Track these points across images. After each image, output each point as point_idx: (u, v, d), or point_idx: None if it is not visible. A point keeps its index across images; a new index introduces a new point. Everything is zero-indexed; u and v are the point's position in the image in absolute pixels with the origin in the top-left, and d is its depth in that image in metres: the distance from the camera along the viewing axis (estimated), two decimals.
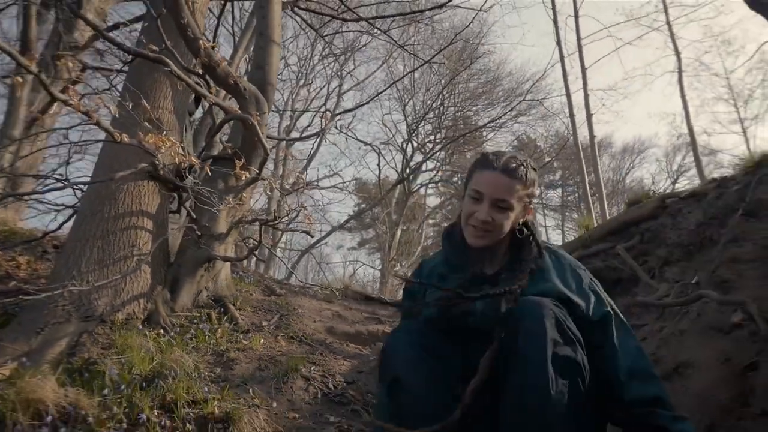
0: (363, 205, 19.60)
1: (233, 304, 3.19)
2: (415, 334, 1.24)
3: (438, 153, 18.26)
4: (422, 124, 17.94)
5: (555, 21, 12.35)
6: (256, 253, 3.86)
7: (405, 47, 10.01)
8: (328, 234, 15.96)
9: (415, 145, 18.00)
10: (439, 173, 19.40)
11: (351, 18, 5.57)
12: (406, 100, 17.84)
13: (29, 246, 4.70)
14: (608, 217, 8.94)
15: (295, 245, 18.63)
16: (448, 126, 18.10)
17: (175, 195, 3.37)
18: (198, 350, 2.53)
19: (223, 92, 3.75)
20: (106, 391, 1.91)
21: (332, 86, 17.82)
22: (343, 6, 5.51)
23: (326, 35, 10.59)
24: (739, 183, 2.81)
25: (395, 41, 9.28)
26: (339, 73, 17.80)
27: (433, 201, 22.50)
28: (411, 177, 17.31)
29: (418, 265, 1.48)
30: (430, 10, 7.69)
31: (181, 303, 3.01)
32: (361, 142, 16.02)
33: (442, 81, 16.49)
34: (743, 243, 2.44)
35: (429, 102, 17.66)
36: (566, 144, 17.00)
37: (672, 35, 14.02)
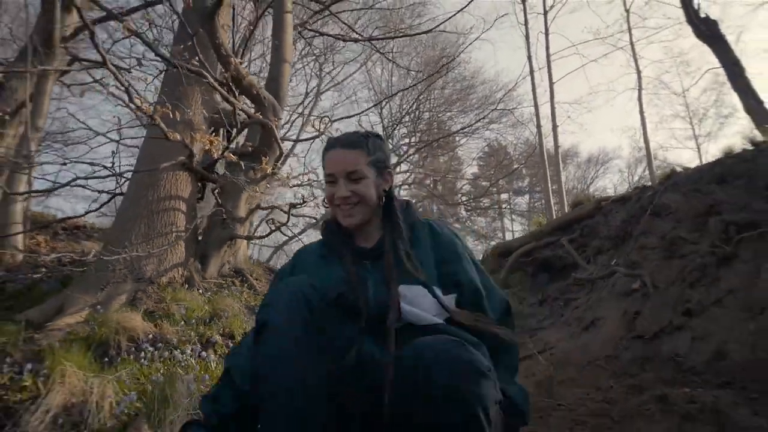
0: None
1: (250, 275, 3.90)
2: (302, 291, 1.09)
3: (412, 156, 19.07)
4: (398, 128, 18.71)
5: (527, 37, 13.36)
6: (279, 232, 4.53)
7: (386, 55, 10.76)
8: (304, 230, 16.56)
9: (390, 146, 18.77)
10: (412, 175, 20.23)
11: (356, 39, 6.29)
12: (384, 104, 18.60)
13: (45, 228, 5.35)
14: None
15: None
16: (423, 130, 18.95)
17: (200, 185, 4.05)
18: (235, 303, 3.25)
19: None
20: (179, 325, 2.61)
21: (311, 86, 18.44)
22: (343, 25, 6.23)
23: (308, 36, 11.24)
24: (653, 191, 3.69)
25: (378, 49, 10.02)
26: (318, 73, 18.44)
27: None
28: None
29: (294, 255, 1.45)
30: (426, 32, 8.46)
31: (209, 272, 3.71)
32: None
33: (419, 86, 17.32)
34: (649, 235, 3.30)
35: (405, 106, 18.45)
36: (534, 152, 18.11)
37: (634, 54, 15.24)
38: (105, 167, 3.72)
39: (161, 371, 2.12)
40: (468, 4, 5.51)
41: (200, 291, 3.40)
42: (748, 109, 8.69)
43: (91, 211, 4.21)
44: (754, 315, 2.04)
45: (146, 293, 3.23)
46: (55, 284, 3.49)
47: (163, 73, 4.19)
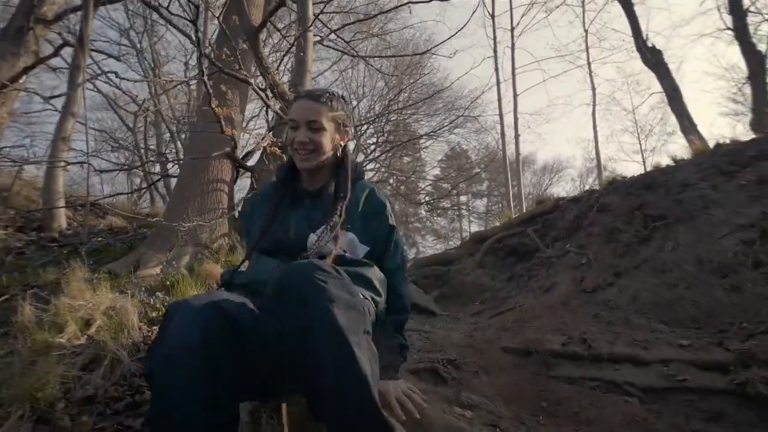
0: None
1: None
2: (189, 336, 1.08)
3: (379, 156, 19.99)
4: (367, 128, 19.61)
5: (495, 51, 14.61)
6: None
7: (366, 60, 11.67)
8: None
9: (357, 144, 19.64)
10: (377, 174, 21.21)
11: (359, 55, 7.21)
12: (355, 103, 19.46)
13: (73, 206, 6.06)
14: None
15: None
16: (390, 131, 19.94)
17: (237, 171, 4.89)
18: None
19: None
20: None
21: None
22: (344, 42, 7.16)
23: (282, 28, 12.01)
24: (599, 193, 4.83)
25: (356, 53, 10.92)
26: (282, 62, 19.11)
27: None
28: None
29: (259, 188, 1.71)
30: (423, 53, 9.44)
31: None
32: None
33: (387, 85, 18.27)
34: (594, 226, 4.42)
35: (376, 107, 19.37)
36: (495, 158, 19.48)
37: (590, 72, 16.83)
38: (160, 153, 4.53)
39: None
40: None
41: None
42: (683, 129, 10.20)
43: (142, 189, 5.01)
44: (658, 274, 3.15)
45: (204, 255, 4.08)
46: (124, 245, 4.28)
47: (210, 75, 5.00)
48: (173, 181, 9.32)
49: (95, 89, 10.84)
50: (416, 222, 25.99)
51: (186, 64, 14.63)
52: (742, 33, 10.24)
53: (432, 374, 2.14)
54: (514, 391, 2.10)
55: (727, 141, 4.42)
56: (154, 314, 2.71)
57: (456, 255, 5.55)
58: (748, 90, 10.66)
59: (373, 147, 19.52)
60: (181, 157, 7.92)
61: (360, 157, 19.35)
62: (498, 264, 5.21)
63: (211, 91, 3.62)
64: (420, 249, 25.68)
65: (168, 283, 3.25)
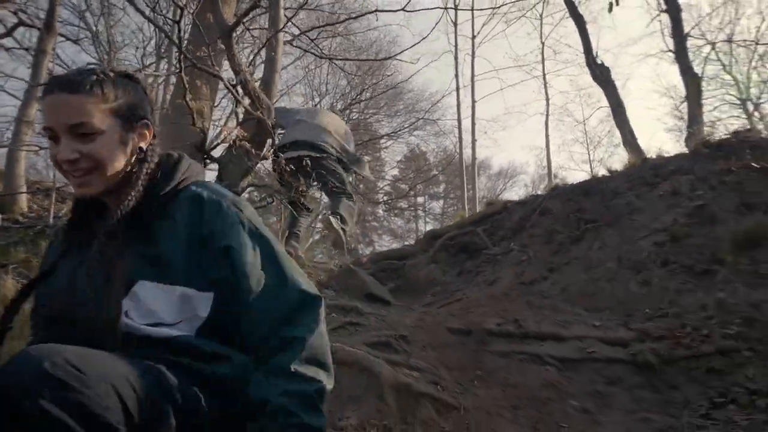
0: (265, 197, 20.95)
1: None
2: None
3: None
4: None
5: (455, 57, 15.17)
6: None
7: (331, 59, 11.92)
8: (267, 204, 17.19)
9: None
10: None
11: (325, 56, 7.48)
12: (317, 100, 19.64)
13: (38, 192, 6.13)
14: None
15: None
16: (351, 129, 20.22)
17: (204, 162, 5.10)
18: None
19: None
20: None
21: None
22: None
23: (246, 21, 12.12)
24: (542, 198, 5.32)
25: (322, 52, 11.18)
26: (252, 62, 19.13)
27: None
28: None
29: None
30: (387, 58, 9.77)
31: None
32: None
33: (350, 84, 18.56)
34: (536, 228, 4.89)
35: (338, 105, 19.59)
36: (452, 161, 20.11)
37: (545, 84, 17.65)
38: None
39: None
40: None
41: None
42: (625, 142, 10.98)
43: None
44: (585, 270, 3.62)
45: None
46: None
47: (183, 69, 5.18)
48: None
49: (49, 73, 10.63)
50: (373, 221, 26.42)
51: (144, 50, 14.49)
52: (681, 55, 11.10)
53: (386, 346, 2.49)
54: (455, 362, 2.48)
55: (654, 156, 4.98)
56: None
57: (411, 251, 5.93)
58: (685, 109, 11.60)
59: None
60: None
61: None
62: (450, 260, 5.62)
63: (187, 86, 3.84)
64: (376, 248, 26.05)
65: None
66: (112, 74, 0.99)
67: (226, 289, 0.94)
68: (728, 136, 4.57)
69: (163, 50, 14.73)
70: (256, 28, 9.32)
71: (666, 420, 1.92)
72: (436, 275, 5.52)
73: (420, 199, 27.08)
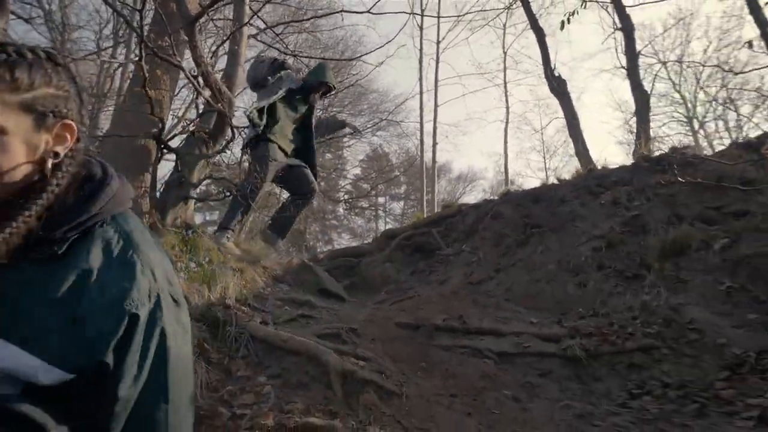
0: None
1: (195, 230, 5.03)
2: None
3: None
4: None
5: (420, 61, 15.41)
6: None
7: (296, 55, 11.90)
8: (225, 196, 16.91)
9: None
10: None
11: (291, 53, 7.46)
12: None
13: None
14: None
15: None
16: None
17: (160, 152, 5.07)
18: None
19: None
20: (173, 247, 3.77)
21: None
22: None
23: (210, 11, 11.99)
24: (494, 202, 5.55)
25: (287, 48, 11.17)
26: (215, 52, 18.84)
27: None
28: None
29: None
30: (352, 59, 9.85)
31: (166, 222, 4.77)
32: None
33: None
34: (488, 231, 5.10)
35: None
36: (414, 163, 20.38)
37: (506, 92, 18.12)
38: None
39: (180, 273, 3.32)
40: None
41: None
42: (577, 153, 11.42)
43: None
44: (528, 271, 3.83)
45: None
46: None
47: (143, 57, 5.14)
48: None
49: None
50: (333, 219, 26.40)
51: (100, 33, 14.06)
52: (633, 72, 11.66)
53: (335, 337, 2.60)
54: (401, 354, 2.62)
55: (599, 167, 5.28)
56: None
57: (368, 249, 6.06)
58: (635, 124, 12.18)
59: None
60: (102, 132, 7.85)
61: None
62: (404, 259, 5.78)
63: (147, 75, 3.84)
64: (335, 246, 26.06)
65: None
66: (30, 55, 0.72)
67: (90, 386, 0.69)
68: (667, 151, 4.90)
69: (121, 35, 14.35)
70: (220, 19, 9.25)
71: (586, 408, 2.11)
72: (391, 273, 5.66)
73: (381, 200, 27.26)
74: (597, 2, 11.66)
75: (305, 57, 6.75)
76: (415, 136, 18.72)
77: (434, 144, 14.81)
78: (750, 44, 3.56)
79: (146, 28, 5.73)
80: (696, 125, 19.39)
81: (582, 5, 5.27)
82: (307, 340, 2.32)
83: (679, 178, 3.61)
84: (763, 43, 3.23)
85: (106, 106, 11.20)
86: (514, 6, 14.05)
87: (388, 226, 27.45)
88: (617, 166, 5.28)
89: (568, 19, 4.73)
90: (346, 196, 22.82)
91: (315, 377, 2.16)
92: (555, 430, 1.94)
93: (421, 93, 15.13)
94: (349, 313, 3.57)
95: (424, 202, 14.59)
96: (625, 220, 3.81)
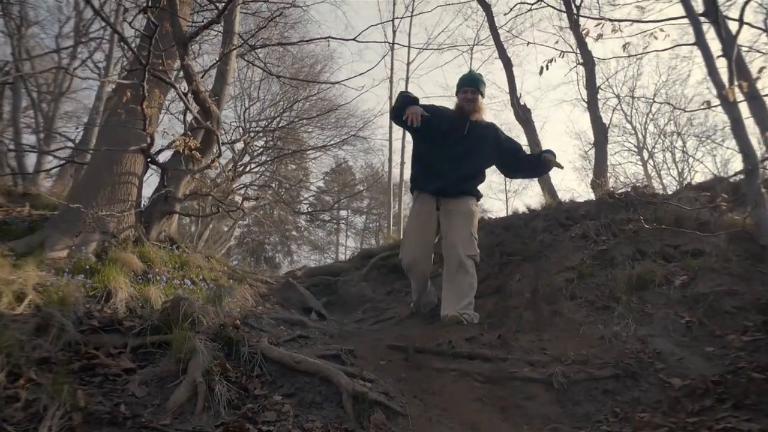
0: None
1: (179, 245, 5.09)
2: None
3: (266, 160, 20.04)
4: (257, 132, 19.61)
5: (390, 80, 15.78)
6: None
7: (279, 77, 11.97)
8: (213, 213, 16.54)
9: (243, 146, 19.56)
10: (261, 177, 21.26)
11: (277, 75, 7.64)
12: (247, 105, 19.38)
13: None
14: None
15: None
16: (280, 137, 20.20)
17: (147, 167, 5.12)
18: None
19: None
20: (165, 263, 3.85)
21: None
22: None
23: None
24: None
25: (266, 67, 11.27)
26: (207, 71, 18.60)
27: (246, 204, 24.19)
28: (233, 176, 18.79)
29: None
30: (335, 83, 9.98)
31: (151, 236, 4.82)
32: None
33: (282, 88, 18.48)
34: None
35: (268, 111, 19.44)
36: (379, 179, 20.67)
37: None
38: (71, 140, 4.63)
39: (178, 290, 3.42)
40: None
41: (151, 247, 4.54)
42: (539, 180, 11.90)
43: (46, 170, 5.01)
44: (506, 298, 4.12)
45: (112, 244, 4.30)
46: (24, 224, 4.32)
47: (132, 72, 5.19)
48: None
49: None
50: (294, 231, 26.28)
51: (59, 30, 13.67)
52: (593, 105, 12.35)
53: (336, 358, 2.78)
54: (397, 375, 2.82)
55: (568, 201, 5.68)
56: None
57: (345, 267, 6.24)
58: (593, 154, 12.89)
59: (260, 150, 19.62)
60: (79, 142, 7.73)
61: (245, 158, 19.39)
62: (381, 279, 5.98)
63: (146, 94, 3.94)
64: (294, 258, 25.97)
65: (87, 266, 3.50)
66: None
67: None
68: (628, 190, 5.34)
69: (83, 32, 14.03)
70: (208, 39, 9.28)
71: (572, 429, 2.39)
72: (367, 292, 5.85)
73: (343, 213, 27.37)
74: (569, 51, 12.23)
75: (288, 78, 6.88)
76: (382, 152, 19.05)
77: (402, 162, 15.16)
78: (708, 104, 3.99)
79: (134, 43, 5.78)
80: (645, 155, 20.60)
81: (560, 55, 5.68)
82: (319, 361, 2.49)
83: (643, 220, 4.00)
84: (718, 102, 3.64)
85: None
86: (482, 42, 14.71)
87: (350, 240, 27.59)
88: (584, 200, 5.71)
89: (547, 66, 5.11)
90: (309, 208, 22.82)
91: (327, 397, 2.34)
92: None
93: (390, 111, 15.50)
94: (339, 333, 3.74)
95: (391, 218, 14.88)
96: (594, 254, 4.15)
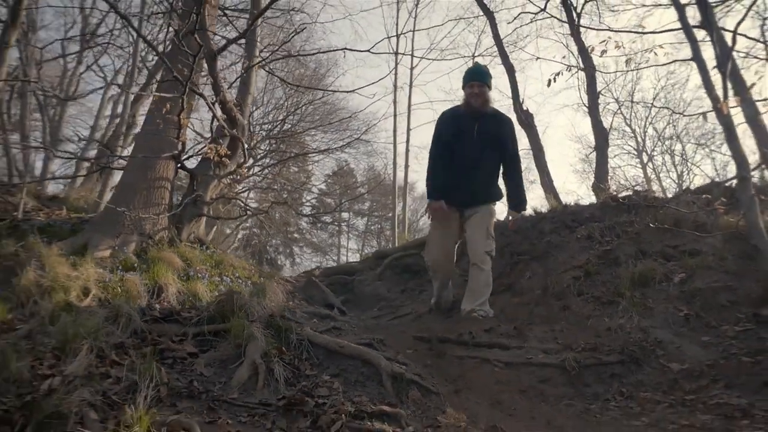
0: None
1: (207, 246, 5.41)
2: None
3: (269, 162, 20.32)
4: (260, 134, 19.91)
5: (395, 85, 16.13)
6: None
7: (297, 86, 12.27)
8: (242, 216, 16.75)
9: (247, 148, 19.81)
10: (264, 180, 21.57)
11: (294, 84, 7.97)
12: (252, 109, 19.67)
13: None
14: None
15: None
16: (282, 138, 20.50)
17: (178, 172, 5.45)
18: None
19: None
20: (202, 261, 4.17)
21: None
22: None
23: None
24: None
25: (288, 82, 11.60)
26: (232, 84, 18.93)
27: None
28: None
29: None
30: (350, 91, 10.29)
31: (182, 237, 5.15)
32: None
33: (286, 93, 18.79)
34: None
35: (272, 114, 19.74)
36: (381, 182, 20.99)
37: None
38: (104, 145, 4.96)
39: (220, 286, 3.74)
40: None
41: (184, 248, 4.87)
42: (542, 183, 12.26)
43: (81, 175, 5.34)
44: (518, 295, 4.45)
45: (149, 244, 4.63)
46: (67, 226, 4.64)
47: (162, 83, 5.52)
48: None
49: None
50: (296, 233, 26.59)
51: (65, 33, 13.97)
52: (593, 110, 12.70)
53: (369, 346, 3.11)
54: (424, 363, 3.15)
55: (573, 204, 6.02)
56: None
57: (360, 267, 6.57)
58: (593, 157, 13.25)
59: (263, 153, 19.94)
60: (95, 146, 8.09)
61: (249, 162, 19.72)
62: (395, 278, 6.31)
63: (185, 106, 4.28)
64: (296, 260, 26.25)
65: (135, 264, 3.83)
66: None
67: None
68: (630, 193, 5.68)
69: (88, 37, 14.34)
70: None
71: (585, 405, 2.72)
72: (381, 291, 6.18)
73: (345, 215, 27.67)
74: (573, 66, 12.54)
75: (305, 88, 7.20)
76: (384, 155, 19.38)
77: (406, 165, 15.50)
78: (704, 116, 4.33)
79: (163, 51, 6.11)
80: (645, 158, 20.95)
81: (567, 69, 6.03)
82: (360, 346, 2.82)
83: (650, 223, 4.33)
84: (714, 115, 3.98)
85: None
86: (486, 49, 15.00)
87: (351, 242, 27.92)
88: (588, 204, 6.05)
89: (555, 79, 5.46)
90: (312, 210, 23.13)
91: (369, 377, 2.67)
92: (565, 420, 2.51)
93: (395, 115, 15.83)
94: (365, 326, 4.07)
95: (396, 220, 15.20)
96: (599, 254, 4.49)
